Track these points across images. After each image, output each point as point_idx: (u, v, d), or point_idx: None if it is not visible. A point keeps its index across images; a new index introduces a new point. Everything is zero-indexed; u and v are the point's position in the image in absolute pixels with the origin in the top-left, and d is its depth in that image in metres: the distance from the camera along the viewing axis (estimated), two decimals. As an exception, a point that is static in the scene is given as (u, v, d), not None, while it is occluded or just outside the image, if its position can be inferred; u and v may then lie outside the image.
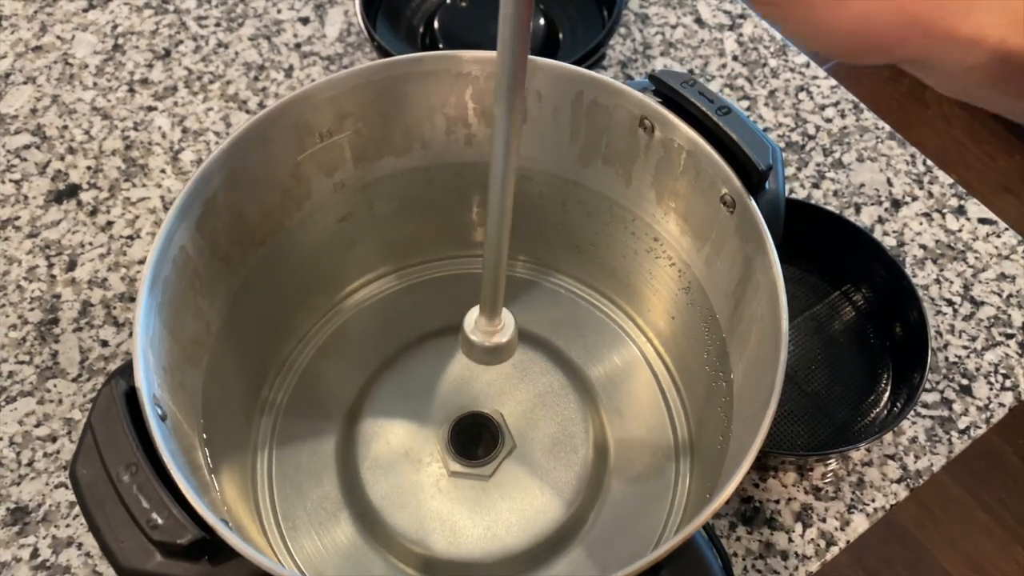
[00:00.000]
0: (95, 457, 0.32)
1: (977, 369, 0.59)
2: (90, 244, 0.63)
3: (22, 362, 0.58)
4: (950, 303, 0.61)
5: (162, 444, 0.32)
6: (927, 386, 0.58)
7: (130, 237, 0.63)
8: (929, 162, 0.68)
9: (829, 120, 0.70)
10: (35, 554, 0.52)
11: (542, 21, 0.71)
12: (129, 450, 0.31)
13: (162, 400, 0.36)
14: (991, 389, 0.58)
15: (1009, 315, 0.61)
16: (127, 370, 0.35)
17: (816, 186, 0.67)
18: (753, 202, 0.39)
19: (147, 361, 0.35)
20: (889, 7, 0.27)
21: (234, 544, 0.31)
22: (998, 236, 0.64)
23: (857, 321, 0.60)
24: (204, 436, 0.41)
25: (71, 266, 0.62)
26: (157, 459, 0.32)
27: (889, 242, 0.64)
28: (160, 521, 0.30)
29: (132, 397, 0.34)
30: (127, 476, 0.31)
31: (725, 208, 0.41)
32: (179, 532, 0.30)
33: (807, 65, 0.73)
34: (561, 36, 0.72)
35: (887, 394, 0.57)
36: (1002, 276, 0.63)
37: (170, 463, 0.32)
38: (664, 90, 0.43)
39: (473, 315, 0.39)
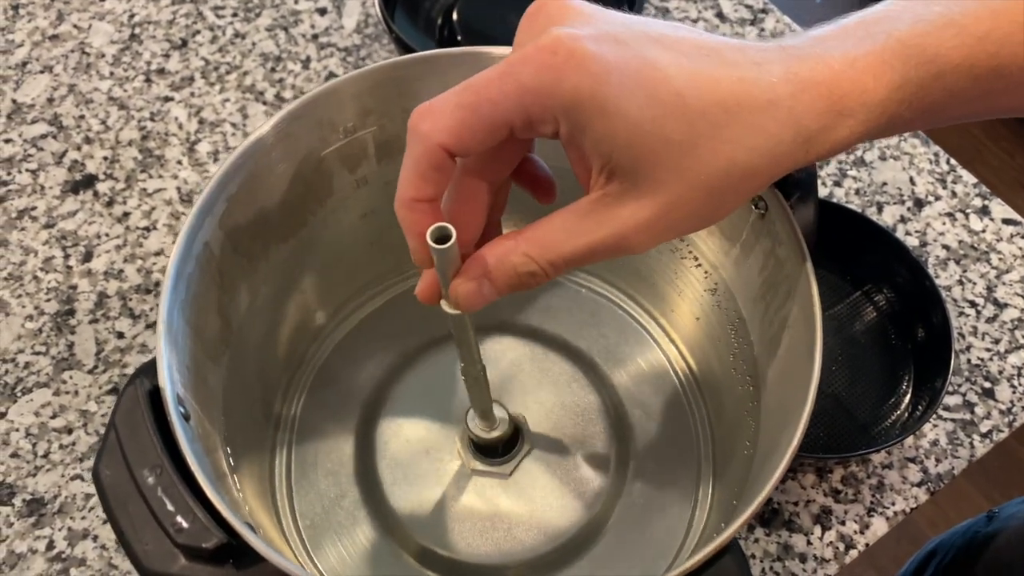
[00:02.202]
0: (119, 458, 0.31)
1: (1000, 372, 0.58)
2: (106, 235, 0.63)
3: (38, 353, 0.58)
4: (973, 305, 0.61)
5: (186, 446, 0.32)
6: (949, 388, 0.57)
7: (146, 228, 0.63)
8: (953, 161, 0.67)
9: (852, 118, 0.69)
10: (51, 546, 0.52)
11: (563, 14, 0.70)
12: (153, 451, 0.31)
13: (185, 399, 0.35)
14: (1014, 392, 0.57)
15: (1034, 318, 0.60)
16: (150, 369, 0.35)
17: (838, 184, 0.66)
18: (787, 204, 0.38)
19: (171, 360, 0.35)
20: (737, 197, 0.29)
21: (260, 549, 0.30)
22: (1022, 237, 0.63)
23: (879, 322, 0.60)
24: (225, 435, 0.40)
25: (87, 257, 0.62)
26: (181, 460, 0.32)
27: (912, 242, 0.63)
28: (185, 525, 0.30)
29: (155, 396, 0.34)
30: (152, 478, 0.30)
31: (756, 210, 0.41)
32: (204, 536, 0.30)
33: (830, 61, 0.72)
34: (581, 29, 0.71)
35: (908, 396, 0.57)
36: (1027, 278, 0.62)
37: (195, 465, 0.32)
38: None
39: (474, 418, 0.47)
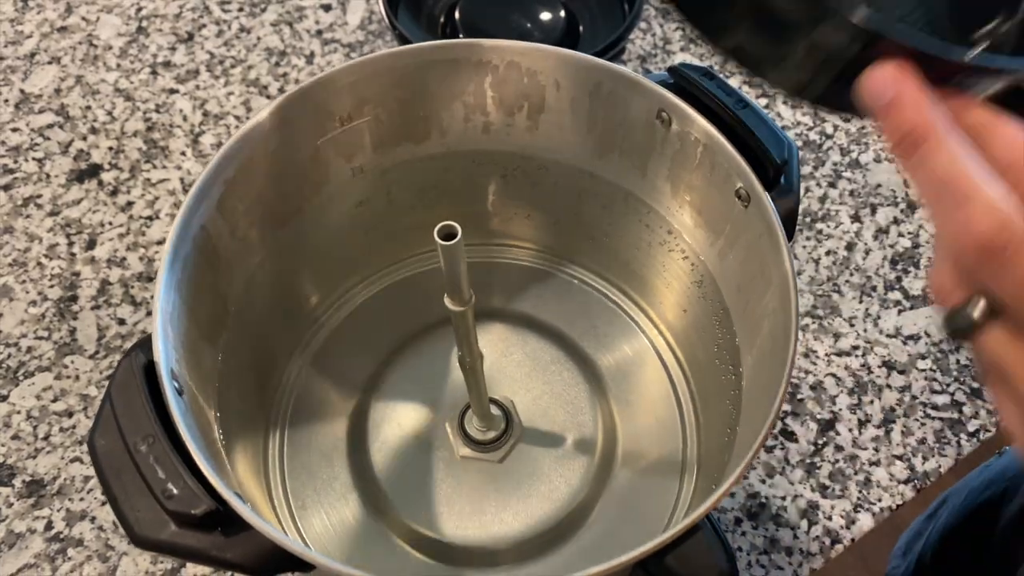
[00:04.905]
0: (113, 427, 0.32)
1: (988, 372, 0.59)
2: (110, 224, 0.64)
3: (41, 338, 0.59)
4: (963, 305, 0.61)
5: (179, 417, 0.33)
6: (936, 387, 0.58)
7: (149, 218, 0.64)
8: (946, 164, 0.68)
9: (847, 120, 0.70)
10: (49, 526, 0.53)
11: (563, 13, 0.71)
12: (147, 421, 0.32)
13: (179, 375, 0.36)
14: (1001, 392, 0.58)
15: (1022, 319, 0.61)
16: (146, 344, 0.35)
17: (832, 185, 0.67)
18: (768, 196, 0.39)
19: (166, 336, 0.36)
20: None
21: (246, 516, 0.31)
22: (1013, 240, 0.64)
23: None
24: (218, 414, 0.41)
25: (91, 245, 0.63)
26: (173, 432, 0.33)
27: (904, 244, 0.64)
28: (175, 491, 0.31)
29: (151, 370, 0.35)
30: (144, 446, 0.31)
31: (740, 202, 0.41)
32: (193, 502, 0.31)
33: (826, 64, 0.73)
34: (581, 29, 0.72)
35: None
36: (1016, 280, 0.62)
37: (186, 436, 0.33)
38: (683, 83, 0.43)
39: (471, 418, 0.49)
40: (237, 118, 0.69)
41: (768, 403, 0.35)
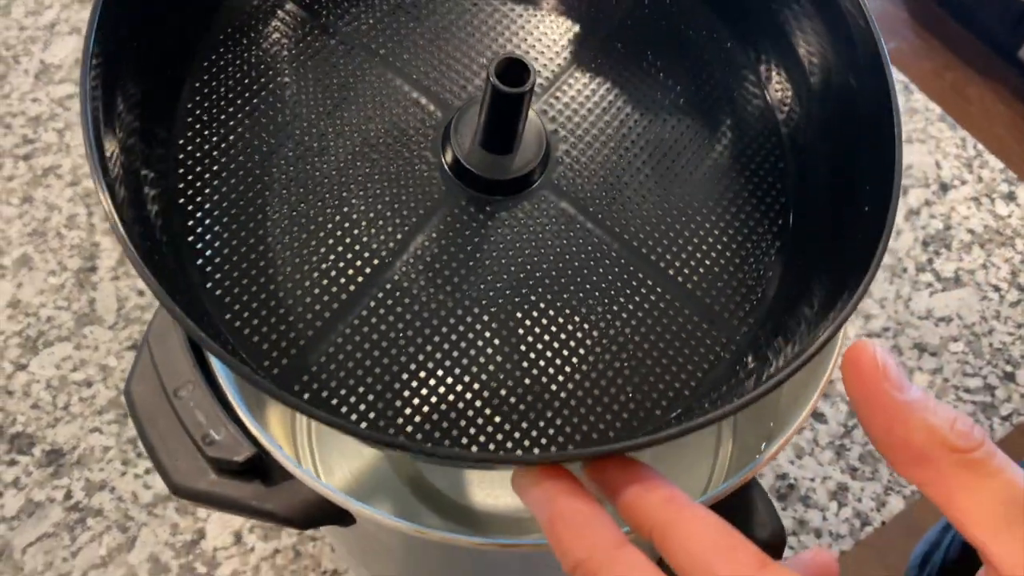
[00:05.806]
0: (152, 374, 0.31)
1: (1022, 356, 0.58)
2: (131, 194, 0.63)
3: (60, 308, 0.58)
4: (997, 289, 0.61)
5: (218, 364, 0.32)
6: (968, 370, 0.57)
7: (171, 189, 0.63)
8: (980, 146, 0.67)
9: (877, 102, 0.69)
10: (68, 496, 0.52)
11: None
12: (186, 368, 0.31)
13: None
14: (1036, 375, 0.57)
15: (1057, 302, 0.60)
16: (183, 293, 0.35)
17: (862, 167, 0.66)
18: None
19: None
20: None
21: (289, 467, 0.30)
22: (1047, 223, 0.63)
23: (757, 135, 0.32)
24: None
25: (111, 215, 0.62)
26: (212, 380, 0.32)
27: (936, 225, 0.63)
28: (217, 437, 0.30)
29: (188, 319, 0.34)
30: (184, 392, 0.31)
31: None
32: (236, 449, 0.30)
33: (856, 47, 0.72)
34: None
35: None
36: (1050, 263, 0.62)
37: (225, 384, 0.32)
38: None
39: None
40: (260, 91, 0.68)
41: (814, 382, 0.34)
